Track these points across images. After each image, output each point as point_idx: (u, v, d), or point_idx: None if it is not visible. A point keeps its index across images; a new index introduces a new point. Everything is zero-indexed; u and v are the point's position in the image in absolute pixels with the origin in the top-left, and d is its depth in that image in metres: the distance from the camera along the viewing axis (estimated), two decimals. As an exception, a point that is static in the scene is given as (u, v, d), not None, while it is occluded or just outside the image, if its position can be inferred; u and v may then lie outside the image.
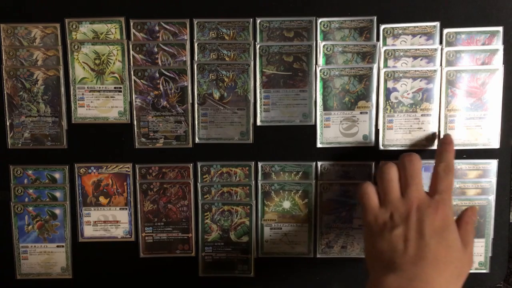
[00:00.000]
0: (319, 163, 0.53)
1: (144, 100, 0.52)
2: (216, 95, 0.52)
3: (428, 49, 0.51)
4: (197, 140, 0.52)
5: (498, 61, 0.51)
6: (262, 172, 0.53)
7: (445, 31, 0.50)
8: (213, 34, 0.51)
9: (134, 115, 0.52)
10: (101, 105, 0.52)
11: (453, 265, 0.43)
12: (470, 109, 0.51)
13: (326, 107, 0.52)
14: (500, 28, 0.50)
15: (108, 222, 0.54)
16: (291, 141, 0.52)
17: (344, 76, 0.51)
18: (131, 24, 0.51)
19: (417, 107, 0.51)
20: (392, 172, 0.46)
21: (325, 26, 0.51)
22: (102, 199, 0.53)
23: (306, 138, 0.52)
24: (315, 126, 0.52)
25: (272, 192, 0.53)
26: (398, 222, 0.44)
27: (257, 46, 0.51)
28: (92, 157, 0.53)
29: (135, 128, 0.52)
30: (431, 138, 0.52)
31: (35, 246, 0.54)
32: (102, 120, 0.52)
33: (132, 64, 0.51)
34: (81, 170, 0.53)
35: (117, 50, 0.51)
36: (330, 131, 0.52)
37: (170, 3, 0.51)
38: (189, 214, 0.54)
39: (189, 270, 0.55)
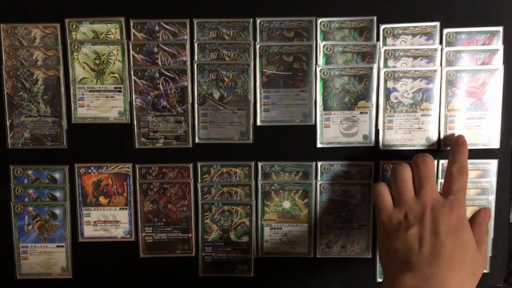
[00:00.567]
0: (319, 163, 0.53)
1: (144, 100, 0.52)
2: (216, 95, 0.52)
3: (428, 49, 0.51)
4: (197, 140, 0.52)
5: (498, 61, 0.51)
6: (262, 172, 0.53)
7: (445, 31, 0.50)
8: (213, 34, 0.51)
9: (134, 115, 0.52)
10: (101, 105, 0.52)
11: (468, 265, 0.43)
12: (470, 109, 0.51)
13: (326, 107, 0.52)
14: (500, 28, 0.50)
15: (108, 222, 0.54)
16: (291, 141, 0.52)
17: (344, 76, 0.51)
18: (131, 24, 0.51)
19: (417, 107, 0.51)
20: (406, 172, 0.47)
21: (325, 26, 0.51)
22: (102, 199, 0.53)
23: (306, 138, 0.52)
24: (315, 126, 0.52)
25: (272, 192, 0.53)
26: (413, 222, 0.45)
27: (257, 46, 0.51)
28: (92, 157, 0.53)
29: (135, 128, 0.52)
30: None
31: (35, 246, 0.54)
32: (102, 120, 0.52)
33: (132, 64, 0.51)
34: (81, 170, 0.53)
35: (117, 50, 0.51)
36: (330, 131, 0.52)
37: (170, 3, 0.51)
38: (189, 214, 0.54)
39: (189, 270, 0.55)
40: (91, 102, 0.52)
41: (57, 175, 0.53)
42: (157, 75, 0.52)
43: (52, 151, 0.53)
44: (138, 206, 0.54)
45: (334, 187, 0.53)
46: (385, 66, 0.51)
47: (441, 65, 0.51)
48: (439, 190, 0.49)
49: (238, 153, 0.53)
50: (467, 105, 0.51)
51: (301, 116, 0.52)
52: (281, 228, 0.54)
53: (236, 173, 0.53)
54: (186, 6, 0.51)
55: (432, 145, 0.52)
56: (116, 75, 0.52)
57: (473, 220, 0.47)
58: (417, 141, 0.52)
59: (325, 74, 0.51)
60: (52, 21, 0.51)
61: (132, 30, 0.51)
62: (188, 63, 0.51)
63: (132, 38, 0.51)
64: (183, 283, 0.55)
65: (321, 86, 0.51)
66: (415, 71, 0.51)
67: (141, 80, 0.52)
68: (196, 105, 0.52)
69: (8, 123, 0.52)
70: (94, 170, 0.53)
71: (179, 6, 0.51)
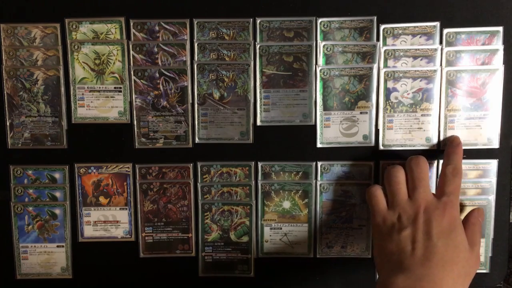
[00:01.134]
0: (319, 163, 0.53)
1: (144, 100, 0.52)
2: (216, 95, 0.52)
3: (428, 49, 0.51)
4: (197, 140, 0.52)
5: (498, 61, 0.51)
6: (262, 172, 0.53)
7: (445, 31, 0.50)
8: (213, 34, 0.51)
9: (134, 115, 0.52)
10: (101, 105, 0.52)
11: (460, 266, 0.43)
12: (470, 109, 0.51)
13: (326, 107, 0.52)
14: (500, 28, 0.50)
15: (108, 222, 0.54)
16: (291, 141, 0.52)
17: (344, 76, 0.51)
18: (131, 24, 0.51)
19: (417, 107, 0.51)
20: (400, 175, 0.48)
21: (325, 26, 0.51)
22: (102, 199, 0.53)
23: (306, 138, 0.52)
24: (315, 126, 0.52)
25: (272, 192, 0.53)
26: (406, 224, 0.45)
27: (257, 46, 0.51)
28: (92, 157, 0.53)
29: (135, 128, 0.52)
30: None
31: (35, 246, 0.54)
32: (102, 120, 0.52)
33: (132, 64, 0.51)
34: (81, 170, 0.53)
35: (117, 50, 0.51)
36: (330, 131, 0.52)
37: (170, 3, 0.51)
38: (189, 214, 0.54)
39: (189, 270, 0.55)
40: (91, 102, 0.52)
41: (57, 175, 0.53)
42: (157, 75, 0.52)
43: (52, 151, 0.53)
44: (138, 206, 0.54)
45: (334, 187, 0.53)
46: (385, 66, 0.51)
47: (441, 65, 0.51)
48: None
49: (238, 153, 0.53)
50: (467, 105, 0.51)
51: (301, 116, 0.52)
52: (281, 228, 0.54)
53: (236, 173, 0.53)
54: (186, 6, 0.51)
55: (432, 145, 0.52)
56: (116, 75, 0.52)
57: (466, 220, 0.47)
58: (417, 141, 0.52)
59: (325, 74, 0.51)
60: (52, 21, 0.51)
61: (132, 30, 0.51)
62: (188, 63, 0.51)
63: (132, 38, 0.51)
64: (183, 283, 0.55)
65: (321, 86, 0.51)
66: (415, 71, 0.51)
67: (141, 80, 0.52)
68: (196, 105, 0.52)
69: (8, 123, 0.52)
70: (94, 170, 0.53)
71: (179, 6, 0.51)
